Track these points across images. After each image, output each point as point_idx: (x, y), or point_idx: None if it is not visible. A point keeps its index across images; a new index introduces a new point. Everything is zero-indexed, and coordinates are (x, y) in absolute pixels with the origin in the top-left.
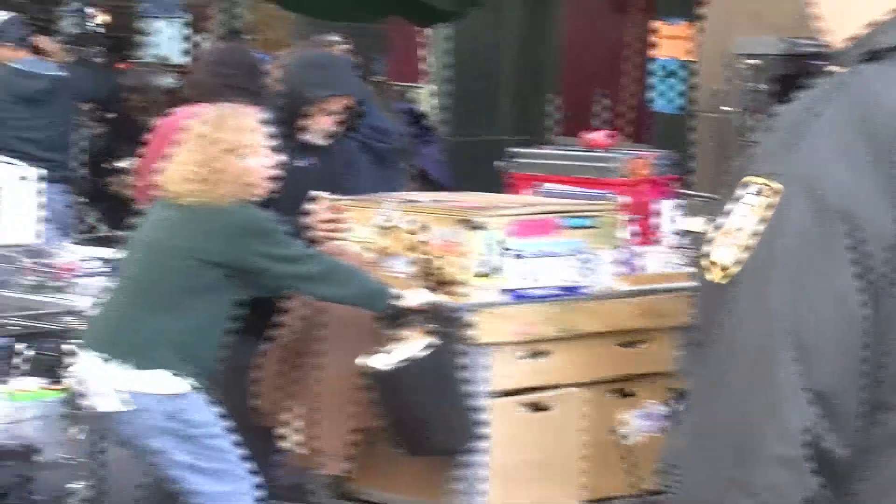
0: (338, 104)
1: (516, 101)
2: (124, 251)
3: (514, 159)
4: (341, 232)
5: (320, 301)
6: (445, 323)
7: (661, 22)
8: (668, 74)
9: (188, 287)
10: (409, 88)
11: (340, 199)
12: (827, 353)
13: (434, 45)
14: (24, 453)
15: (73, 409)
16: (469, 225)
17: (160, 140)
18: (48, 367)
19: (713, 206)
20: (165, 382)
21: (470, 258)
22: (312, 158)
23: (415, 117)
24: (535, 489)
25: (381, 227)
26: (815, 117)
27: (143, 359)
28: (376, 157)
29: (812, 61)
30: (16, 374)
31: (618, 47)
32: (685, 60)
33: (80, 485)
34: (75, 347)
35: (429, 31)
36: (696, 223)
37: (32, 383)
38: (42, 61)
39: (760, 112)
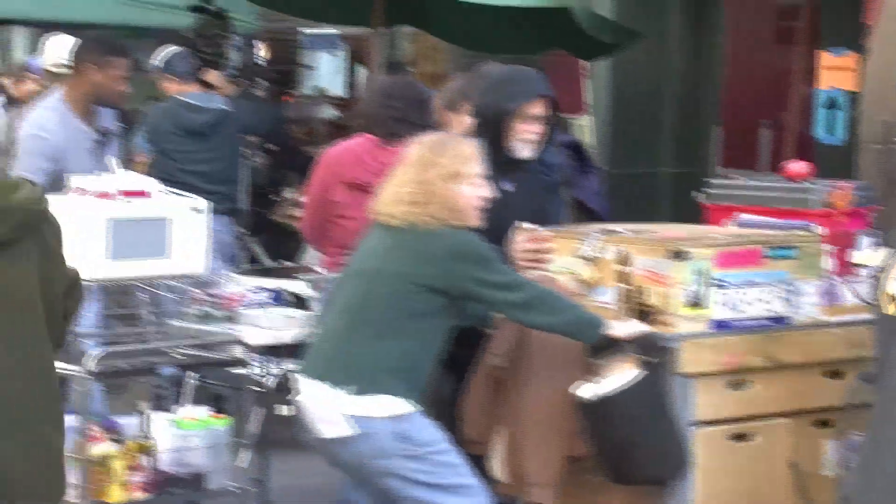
0: (539, 108)
1: (676, 132)
2: (339, 277)
3: (711, 190)
4: (543, 262)
5: (528, 329)
6: (653, 353)
7: (825, 52)
8: (832, 105)
9: (405, 312)
10: (569, 120)
11: (540, 229)
12: None
13: (593, 76)
14: (192, 481)
15: (237, 437)
16: (677, 255)
17: (324, 171)
18: (215, 396)
19: (888, 239)
20: (390, 405)
21: (676, 288)
22: (512, 181)
23: (575, 149)
24: None
25: (585, 258)
26: None
27: (366, 384)
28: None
29: None
30: (183, 403)
31: (781, 78)
32: (850, 91)
33: None
34: (296, 375)
35: (590, 64)
36: (870, 256)
37: (200, 412)
38: (208, 95)
39: None
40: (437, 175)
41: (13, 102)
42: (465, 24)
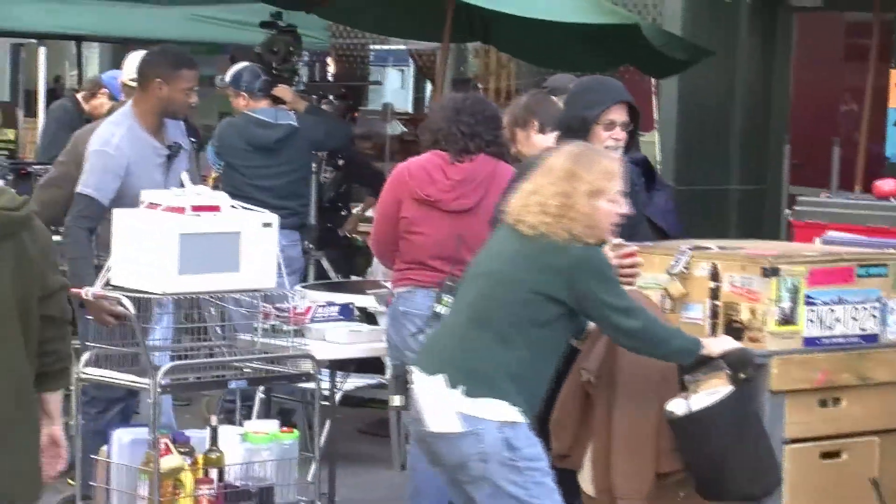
0: (619, 114)
1: (745, 148)
2: (464, 276)
3: (799, 207)
4: (633, 277)
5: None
6: (745, 369)
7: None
8: None
9: (527, 320)
10: (639, 137)
11: (629, 245)
12: None
13: (661, 93)
14: (260, 495)
15: (305, 451)
16: (769, 272)
17: (395, 187)
18: (283, 409)
19: None
20: (503, 411)
21: (768, 305)
22: None
23: (644, 165)
24: None
25: (675, 274)
26: None
27: (481, 386)
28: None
29: None
30: (252, 417)
31: (851, 95)
32: None
33: None
34: (413, 367)
35: (658, 81)
36: None
37: (269, 426)
38: (278, 111)
39: None
40: (582, 190)
41: (84, 117)
42: (532, 41)
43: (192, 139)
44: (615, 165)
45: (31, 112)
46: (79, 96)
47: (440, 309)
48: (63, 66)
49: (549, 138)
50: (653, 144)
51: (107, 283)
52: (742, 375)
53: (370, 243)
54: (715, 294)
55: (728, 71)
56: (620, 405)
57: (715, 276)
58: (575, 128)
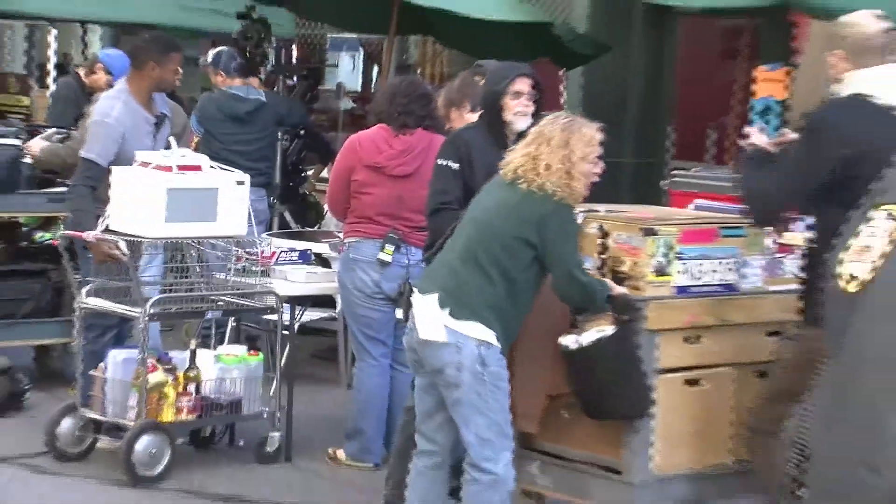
0: (524, 84)
1: (637, 128)
2: (462, 219)
3: (674, 178)
4: None
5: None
6: (626, 312)
7: (761, 67)
8: (766, 111)
9: (510, 262)
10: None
11: None
12: None
13: (569, 81)
14: (230, 406)
15: (268, 371)
16: (648, 232)
17: (348, 155)
18: (250, 336)
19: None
20: (482, 332)
21: (646, 259)
22: None
23: None
24: (692, 452)
25: None
26: None
27: (465, 310)
28: None
29: None
30: (224, 342)
31: (725, 87)
32: (781, 100)
33: (275, 433)
34: (414, 287)
35: (566, 70)
36: (797, 237)
37: (238, 349)
38: (250, 87)
39: None
40: (571, 153)
41: (86, 90)
42: (464, 34)
43: None
44: (597, 134)
45: (42, 83)
46: (79, 71)
47: (383, 256)
48: (70, 45)
49: (474, 117)
50: None
51: (105, 229)
52: (624, 316)
53: (326, 201)
54: (603, 249)
55: (624, 64)
56: (524, 340)
57: (603, 234)
58: (490, 102)
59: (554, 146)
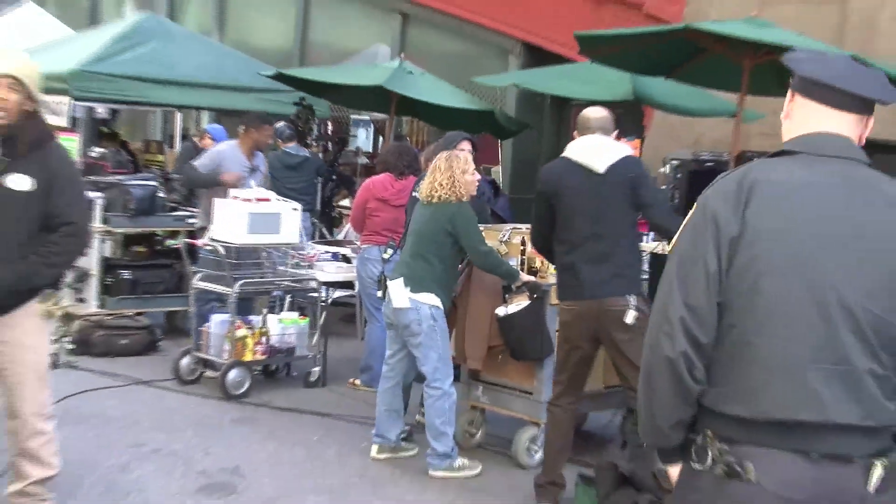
0: (464, 146)
1: None
2: (408, 232)
3: None
4: None
5: (474, 271)
6: (537, 292)
7: (623, 139)
8: None
9: (441, 249)
10: (491, 168)
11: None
12: (695, 284)
13: (503, 146)
14: (287, 351)
15: (311, 329)
16: None
17: (364, 192)
18: (301, 307)
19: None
20: (433, 299)
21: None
22: None
23: (492, 184)
24: None
25: (503, 241)
26: (721, 178)
27: (419, 286)
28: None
29: (708, 164)
30: (284, 310)
31: None
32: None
33: (316, 368)
34: (387, 276)
35: (501, 140)
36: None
37: (293, 315)
38: (299, 147)
39: (678, 188)
40: (457, 170)
41: (199, 151)
42: (438, 115)
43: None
44: (469, 155)
45: (171, 146)
46: (195, 139)
47: (385, 255)
48: (189, 122)
49: None
50: (498, 172)
51: (210, 238)
52: (535, 295)
53: (350, 221)
54: (523, 252)
55: (538, 136)
56: (471, 309)
57: (523, 242)
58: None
59: (442, 171)
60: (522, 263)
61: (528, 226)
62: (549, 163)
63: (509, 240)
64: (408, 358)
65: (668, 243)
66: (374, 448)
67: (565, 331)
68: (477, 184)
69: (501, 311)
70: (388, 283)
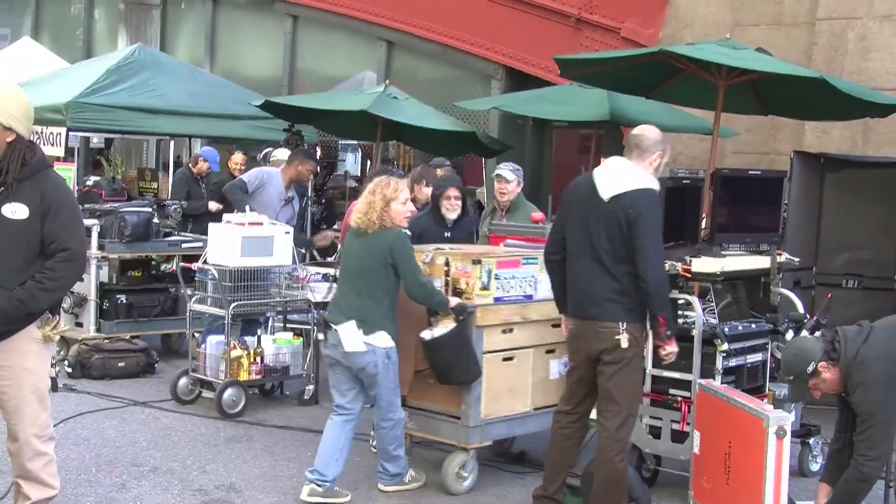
0: (452, 192)
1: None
2: (342, 270)
3: (494, 228)
4: None
5: (403, 298)
6: (463, 314)
7: (602, 157)
8: None
9: (385, 282)
10: (475, 189)
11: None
12: None
13: (487, 166)
14: (282, 370)
15: (305, 348)
16: (476, 262)
17: (351, 214)
18: (295, 326)
19: None
20: (386, 339)
21: (475, 280)
22: (448, 231)
23: (478, 204)
24: (507, 402)
25: (426, 262)
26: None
27: (372, 327)
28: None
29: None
30: (277, 331)
31: (581, 168)
32: None
33: (310, 386)
34: (329, 317)
35: (486, 160)
36: None
37: (287, 335)
38: None
39: None
40: (385, 200)
41: (194, 176)
42: (423, 139)
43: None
44: (399, 185)
45: (165, 173)
46: (190, 165)
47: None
48: (181, 149)
49: (429, 190)
50: (483, 193)
51: (204, 261)
52: (461, 317)
53: (339, 241)
54: (447, 273)
55: (520, 155)
56: (400, 335)
57: (447, 263)
58: (434, 201)
59: (376, 198)
60: (447, 284)
61: (450, 246)
62: (580, 176)
63: (432, 261)
64: (363, 392)
65: (646, 289)
66: (306, 490)
67: (567, 345)
68: (408, 214)
69: (427, 334)
70: (336, 327)
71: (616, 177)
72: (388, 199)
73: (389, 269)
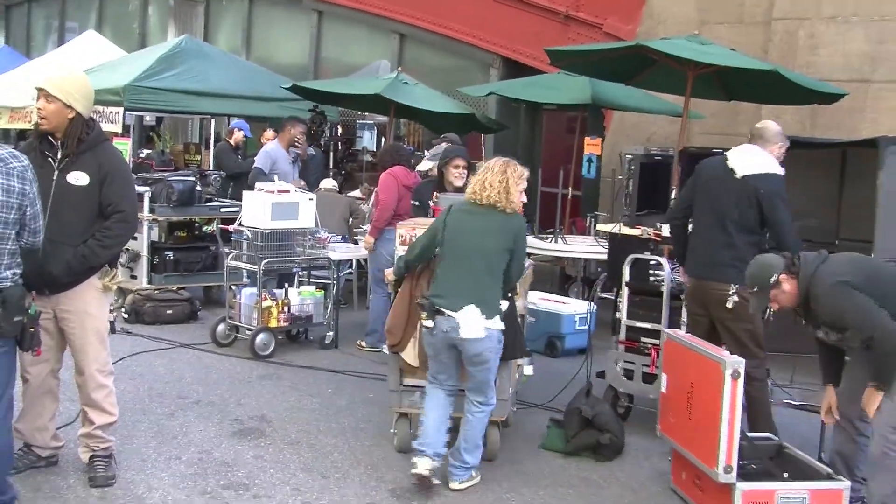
0: (458, 161)
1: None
2: (448, 240)
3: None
4: None
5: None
6: (511, 292)
7: (587, 137)
8: (590, 161)
9: (502, 262)
10: (475, 163)
11: None
12: None
13: (486, 142)
14: (306, 318)
15: (326, 300)
16: None
17: (392, 179)
18: (318, 280)
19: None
20: (499, 323)
21: None
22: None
23: None
24: None
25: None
26: None
27: (492, 311)
28: None
29: (657, 157)
30: (302, 284)
31: (568, 147)
32: (598, 155)
33: (330, 332)
34: (442, 303)
35: (484, 137)
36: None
37: (310, 288)
38: (313, 147)
39: (631, 178)
40: (513, 178)
41: (232, 147)
42: (430, 119)
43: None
44: (524, 171)
45: (207, 147)
46: (227, 138)
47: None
48: (221, 126)
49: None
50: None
51: (240, 223)
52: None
53: (381, 206)
54: None
55: (514, 135)
56: (413, 318)
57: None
58: (441, 167)
59: (500, 173)
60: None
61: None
62: (710, 157)
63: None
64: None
65: (790, 255)
66: (424, 462)
67: (686, 301)
68: (523, 202)
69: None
70: (454, 313)
71: (749, 158)
72: (517, 181)
73: (508, 255)
